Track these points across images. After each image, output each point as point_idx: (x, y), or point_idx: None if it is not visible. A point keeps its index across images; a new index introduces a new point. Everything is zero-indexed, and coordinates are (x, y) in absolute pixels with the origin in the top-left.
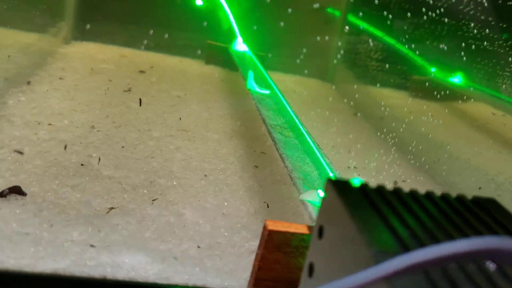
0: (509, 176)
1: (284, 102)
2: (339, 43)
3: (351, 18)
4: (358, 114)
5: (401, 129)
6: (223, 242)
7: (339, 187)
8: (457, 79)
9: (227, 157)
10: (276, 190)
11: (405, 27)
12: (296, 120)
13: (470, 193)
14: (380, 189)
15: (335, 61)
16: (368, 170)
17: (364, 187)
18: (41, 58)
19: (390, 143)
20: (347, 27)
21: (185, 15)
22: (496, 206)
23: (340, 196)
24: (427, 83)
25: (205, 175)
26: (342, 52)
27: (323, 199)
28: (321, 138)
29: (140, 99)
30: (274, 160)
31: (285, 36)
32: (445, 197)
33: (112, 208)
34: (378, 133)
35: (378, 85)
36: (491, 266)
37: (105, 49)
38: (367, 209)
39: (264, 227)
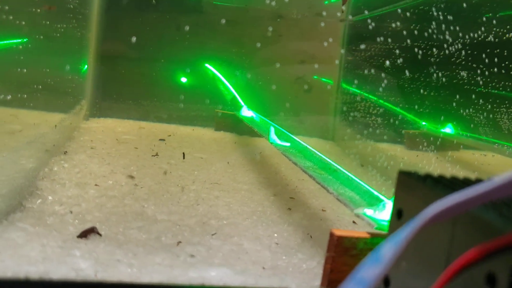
0: None
1: (310, 148)
2: (336, 105)
3: (344, 85)
4: (363, 166)
5: None
6: (284, 264)
7: (411, 176)
8: (448, 129)
9: (262, 202)
10: (314, 225)
11: (394, 89)
12: (328, 160)
13: None
14: (441, 176)
15: (334, 121)
16: None
17: (429, 175)
18: (69, 133)
19: None
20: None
21: (191, 90)
22: None
23: (417, 182)
24: (420, 136)
25: (249, 216)
26: (339, 112)
27: (398, 187)
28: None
29: (183, 153)
30: (303, 203)
31: (283, 101)
32: None
33: (179, 242)
34: (390, 181)
35: (376, 140)
36: None
37: (122, 123)
38: (440, 187)
39: (332, 234)
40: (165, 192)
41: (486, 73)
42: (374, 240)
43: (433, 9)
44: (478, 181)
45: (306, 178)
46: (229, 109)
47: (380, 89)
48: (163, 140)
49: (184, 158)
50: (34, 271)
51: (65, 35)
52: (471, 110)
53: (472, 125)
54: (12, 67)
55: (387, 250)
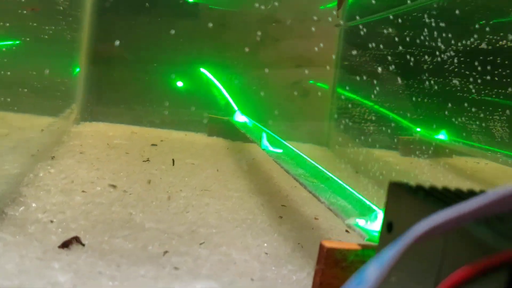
0: None
1: (303, 155)
2: (331, 111)
3: (340, 90)
4: (357, 172)
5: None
6: (273, 275)
7: (402, 188)
8: (442, 135)
9: (252, 209)
10: (305, 235)
11: (389, 94)
12: (320, 167)
13: None
14: (433, 188)
15: (328, 127)
16: None
17: (420, 187)
18: (57, 137)
19: None
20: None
21: (184, 94)
22: None
23: (408, 194)
24: (414, 142)
25: (239, 224)
26: (334, 118)
27: (388, 199)
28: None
29: (173, 159)
30: (295, 211)
31: (278, 106)
32: None
33: (166, 251)
34: (382, 190)
35: (370, 146)
36: None
37: (114, 127)
38: (432, 199)
39: (322, 246)
40: (154, 199)
41: (479, 80)
42: (365, 252)
43: (425, 16)
44: (470, 193)
45: (299, 185)
46: (222, 114)
47: (375, 94)
48: (155, 145)
49: (174, 164)
50: (7, 286)
51: (54, 37)
52: (464, 117)
53: (465, 132)
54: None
55: (372, 272)
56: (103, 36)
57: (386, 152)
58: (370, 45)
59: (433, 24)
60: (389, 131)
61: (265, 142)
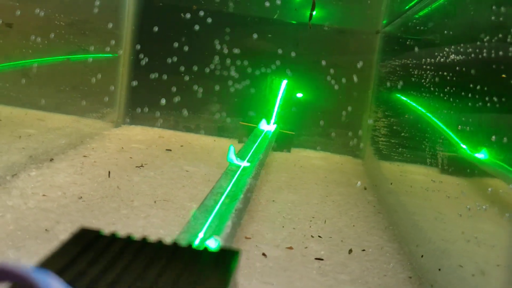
0: None
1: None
2: (369, 122)
3: (378, 99)
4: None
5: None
6: None
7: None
8: (482, 154)
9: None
10: None
11: (432, 104)
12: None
13: None
14: (114, 236)
15: (365, 138)
16: None
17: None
18: (79, 139)
19: None
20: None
21: (223, 102)
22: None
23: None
24: (455, 160)
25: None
26: (371, 129)
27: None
28: None
29: (109, 172)
30: None
31: (316, 117)
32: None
33: None
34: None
35: (407, 161)
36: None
37: (148, 131)
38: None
39: None
40: (98, 209)
41: None
42: None
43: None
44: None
45: None
46: (254, 122)
47: (416, 104)
48: (170, 150)
49: (109, 176)
50: None
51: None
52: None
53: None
54: (53, 75)
55: None
56: (147, 37)
57: (425, 169)
58: (412, 50)
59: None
60: (431, 145)
61: (231, 155)
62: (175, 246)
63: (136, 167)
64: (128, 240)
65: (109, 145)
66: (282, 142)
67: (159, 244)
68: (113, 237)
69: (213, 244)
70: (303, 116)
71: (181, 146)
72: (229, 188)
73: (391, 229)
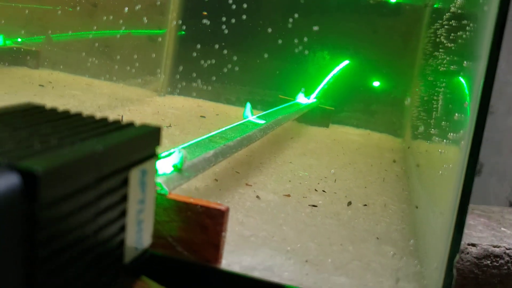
0: None
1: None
2: (406, 102)
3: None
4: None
5: None
6: None
7: None
8: None
9: None
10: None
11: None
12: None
13: None
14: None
15: (407, 118)
16: None
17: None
18: (119, 102)
19: None
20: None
21: (263, 75)
22: None
23: None
24: None
25: None
26: (413, 109)
27: None
28: None
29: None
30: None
31: (359, 94)
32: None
33: None
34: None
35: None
36: None
37: (189, 101)
38: None
39: None
40: None
41: None
42: None
43: None
44: None
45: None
46: (292, 96)
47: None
48: (204, 117)
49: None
50: None
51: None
52: None
53: None
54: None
55: None
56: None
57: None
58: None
59: None
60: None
61: (247, 111)
62: (103, 119)
63: (165, 126)
64: (65, 113)
65: (146, 108)
66: (321, 117)
67: (91, 117)
68: (52, 110)
69: (176, 154)
70: (345, 93)
71: (217, 114)
72: (224, 128)
73: (405, 193)
